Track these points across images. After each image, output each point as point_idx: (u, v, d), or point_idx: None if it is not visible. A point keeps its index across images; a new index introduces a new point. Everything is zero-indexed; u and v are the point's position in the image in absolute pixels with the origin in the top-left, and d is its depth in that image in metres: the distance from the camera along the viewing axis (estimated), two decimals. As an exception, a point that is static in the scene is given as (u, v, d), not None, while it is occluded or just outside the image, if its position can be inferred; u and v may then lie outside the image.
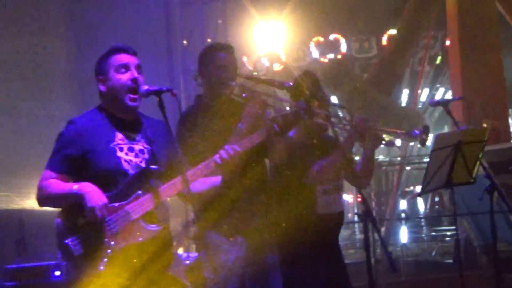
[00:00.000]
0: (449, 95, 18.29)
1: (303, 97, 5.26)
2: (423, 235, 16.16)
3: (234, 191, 5.22)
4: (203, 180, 4.76)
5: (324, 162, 5.68)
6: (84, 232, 4.43)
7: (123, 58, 4.69)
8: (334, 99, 14.17)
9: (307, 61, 17.17)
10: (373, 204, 15.89)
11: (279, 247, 5.70)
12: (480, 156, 6.22)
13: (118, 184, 4.54)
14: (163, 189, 4.55)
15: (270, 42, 14.04)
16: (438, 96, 19.52)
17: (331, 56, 17.35)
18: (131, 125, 4.74)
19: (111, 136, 4.65)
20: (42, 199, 4.61)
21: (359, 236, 15.77)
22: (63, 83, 12.62)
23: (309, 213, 5.76)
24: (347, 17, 17.26)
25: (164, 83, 5.10)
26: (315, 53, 17.43)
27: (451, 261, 12.02)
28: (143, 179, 4.55)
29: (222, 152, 4.72)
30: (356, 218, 13.96)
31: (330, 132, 5.75)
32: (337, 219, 5.95)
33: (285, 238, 5.70)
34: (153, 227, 4.53)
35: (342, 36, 17.53)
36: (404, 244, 13.33)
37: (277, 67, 16.46)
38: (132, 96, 4.63)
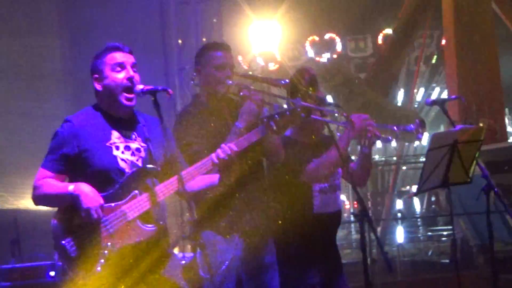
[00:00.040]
0: (445, 95, 18.28)
1: (300, 94, 5.24)
2: (419, 235, 16.17)
3: (231, 190, 5.19)
4: (201, 178, 4.74)
5: (319, 159, 5.68)
6: (81, 233, 4.40)
7: (118, 56, 4.66)
8: (329, 99, 14.13)
9: (303, 60, 17.17)
10: (369, 204, 15.87)
11: (276, 246, 5.66)
12: (476, 155, 6.20)
13: (115, 183, 4.52)
14: (160, 188, 4.53)
15: (265, 41, 14.01)
16: (434, 96, 19.53)
17: (326, 55, 17.35)
18: (127, 123, 4.72)
19: (107, 134, 4.62)
20: (38, 199, 4.59)
21: (355, 236, 15.78)
22: (58, 83, 12.58)
23: (306, 212, 5.77)
24: (342, 16, 17.26)
25: (159, 82, 5.10)
26: (310, 53, 17.43)
27: (447, 261, 12.02)
28: (139, 179, 4.53)
29: (219, 151, 4.70)
30: (352, 218, 13.95)
31: (326, 132, 5.76)
32: (334, 218, 5.96)
33: (282, 237, 5.70)
34: (150, 227, 4.51)
35: (337, 35, 17.53)
36: (400, 244, 13.33)
37: (272, 66, 16.45)
38: (127, 95, 4.62)
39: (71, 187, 4.43)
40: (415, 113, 17.68)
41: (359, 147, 5.86)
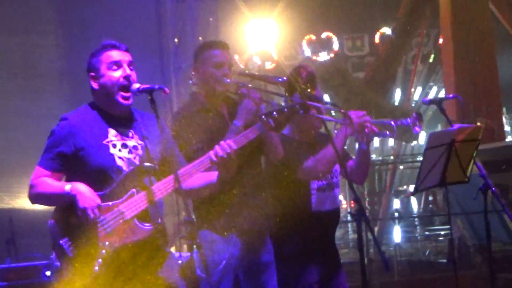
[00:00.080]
0: (442, 94, 18.26)
1: (298, 91, 5.22)
2: (416, 235, 16.15)
3: (228, 189, 5.18)
4: (199, 176, 4.70)
5: (316, 156, 5.67)
6: (78, 233, 4.40)
7: (115, 55, 4.65)
8: (326, 98, 14.10)
9: (299, 59, 17.16)
10: (366, 204, 15.87)
11: (274, 245, 5.66)
12: (474, 154, 6.18)
13: (112, 181, 4.51)
14: (157, 187, 4.51)
15: (262, 40, 13.94)
16: (431, 95, 19.51)
17: (323, 54, 17.32)
18: (124, 121, 4.71)
19: (104, 133, 4.61)
20: (34, 197, 4.58)
21: (352, 235, 15.77)
22: (54, 81, 12.54)
23: (304, 210, 5.77)
24: (339, 15, 17.23)
25: (155, 81, 5.10)
26: (307, 51, 17.41)
27: (445, 260, 12.02)
28: (137, 177, 4.53)
29: (217, 148, 4.65)
30: (349, 218, 13.94)
31: (323, 130, 5.73)
32: (333, 216, 5.95)
33: (280, 235, 5.70)
34: (147, 226, 4.49)
35: (334, 34, 17.51)
36: (397, 244, 13.32)
37: (269, 65, 16.44)
38: (124, 94, 4.60)
39: (67, 186, 4.42)
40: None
41: (357, 144, 5.84)
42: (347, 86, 15.45)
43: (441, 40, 15.18)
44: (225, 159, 4.59)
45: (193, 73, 5.64)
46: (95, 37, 10.86)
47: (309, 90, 5.30)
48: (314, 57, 17.25)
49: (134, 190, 4.49)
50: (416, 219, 16.99)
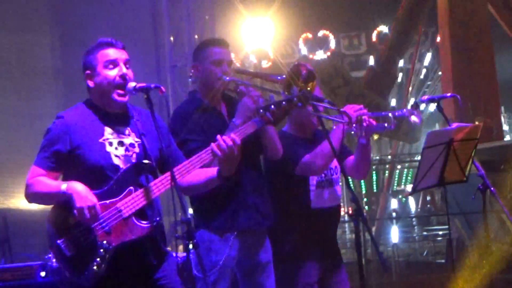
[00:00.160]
0: (439, 93, 18.24)
1: (297, 86, 5.19)
2: (414, 235, 16.14)
3: (226, 188, 5.11)
4: (198, 172, 4.66)
5: (314, 151, 5.65)
6: (75, 232, 4.36)
7: (111, 53, 4.61)
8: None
9: (296, 58, 17.17)
10: (364, 203, 15.84)
11: (273, 244, 5.62)
12: (473, 154, 6.14)
13: (109, 180, 4.46)
14: (155, 184, 4.48)
15: (258, 39, 13.95)
16: (429, 94, 19.48)
17: (320, 52, 17.31)
18: (120, 118, 4.68)
19: (100, 131, 4.58)
20: (30, 197, 4.54)
21: (349, 235, 15.73)
22: (49, 80, 12.56)
23: (303, 207, 5.76)
24: (336, 13, 17.22)
25: (151, 79, 5.07)
26: (303, 50, 17.41)
27: (443, 261, 12.00)
28: (134, 174, 4.50)
29: (220, 140, 4.58)
30: (346, 218, 13.90)
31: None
32: (333, 213, 5.93)
33: (279, 234, 5.69)
34: (145, 224, 4.46)
35: (331, 32, 17.50)
36: (395, 244, 13.32)
37: (265, 63, 16.44)
38: (120, 92, 4.57)
39: (63, 186, 4.38)
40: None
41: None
42: (347, 87, 15.43)
43: (438, 39, 15.15)
44: (227, 153, 4.54)
45: (192, 70, 5.62)
46: (90, 35, 10.77)
47: (308, 88, 5.26)
48: (310, 56, 17.25)
49: (131, 188, 4.45)
50: (414, 219, 16.97)
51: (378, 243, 11.18)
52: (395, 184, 18.11)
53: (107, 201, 4.40)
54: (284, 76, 5.27)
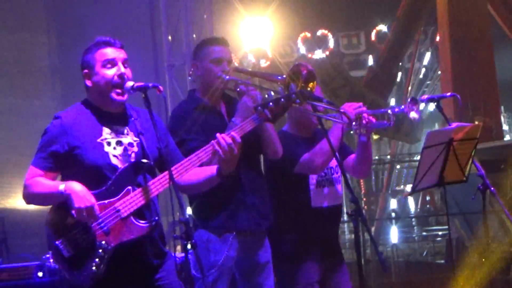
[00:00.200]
0: (439, 92, 18.22)
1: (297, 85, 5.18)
2: (413, 235, 16.12)
3: (225, 188, 5.06)
4: (197, 171, 4.63)
5: (313, 150, 5.64)
6: (74, 233, 4.34)
7: (109, 52, 4.57)
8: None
9: (294, 57, 17.15)
10: (363, 204, 15.82)
11: (273, 243, 5.60)
12: (472, 154, 6.11)
13: (107, 179, 4.43)
14: (153, 183, 4.47)
15: (256, 38, 13.94)
16: (428, 93, 19.46)
17: (318, 52, 17.29)
18: (118, 118, 4.64)
19: (98, 131, 4.54)
20: (28, 197, 4.52)
21: (348, 236, 15.72)
22: (46, 79, 12.60)
23: (303, 207, 5.74)
24: (335, 12, 17.20)
25: (149, 78, 5.08)
26: (302, 49, 17.39)
27: (442, 261, 11.99)
28: (132, 174, 4.47)
29: (219, 138, 4.55)
30: (345, 218, 13.89)
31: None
32: (334, 212, 5.90)
33: (279, 233, 5.68)
34: (144, 223, 4.43)
35: (329, 31, 17.48)
36: (394, 244, 13.31)
37: (263, 63, 16.42)
38: (118, 91, 4.54)
39: (61, 186, 4.35)
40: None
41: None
42: (348, 87, 15.43)
43: (438, 38, 15.14)
44: (227, 151, 4.52)
45: (191, 69, 5.60)
46: (88, 34, 10.84)
47: (308, 89, 5.23)
48: (309, 55, 17.23)
49: (129, 187, 4.42)
50: (413, 219, 16.95)
51: (377, 244, 11.19)
52: (395, 184, 18.10)
53: (105, 201, 4.37)
54: (284, 76, 5.25)
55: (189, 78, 5.68)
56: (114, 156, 4.51)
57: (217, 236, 5.31)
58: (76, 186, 4.33)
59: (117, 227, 4.36)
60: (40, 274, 7.69)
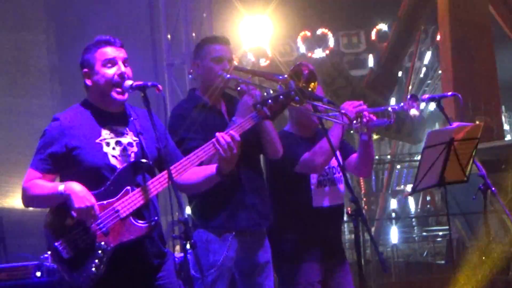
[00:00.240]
0: (439, 92, 18.21)
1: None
2: (414, 235, 16.11)
3: (224, 188, 5.03)
4: (197, 170, 4.62)
5: (313, 149, 5.64)
6: (73, 234, 4.32)
7: (109, 51, 4.55)
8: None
9: (294, 56, 17.13)
10: (363, 204, 15.80)
11: (273, 243, 5.60)
12: (473, 153, 6.09)
13: (106, 180, 4.41)
14: (152, 183, 4.45)
15: (256, 37, 13.90)
16: (429, 93, 19.44)
17: (318, 51, 17.27)
18: (118, 118, 4.63)
19: (96, 131, 4.53)
20: (27, 200, 4.50)
21: (348, 236, 15.69)
22: (45, 78, 12.59)
23: (304, 206, 5.73)
24: (335, 11, 17.18)
25: (148, 77, 5.05)
26: (302, 48, 17.37)
27: (443, 262, 11.97)
28: (131, 174, 4.45)
29: (218, 136, 4.54)
30: (345, 218, 13.89)
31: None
32: (335, 212, 5.88)
33: (279, 232, 5.69)
34: (143, 223, 4.42)
35: (329, 30, 17.46)
36: (394, 245, 13.29)
37: (263, 62, 16.40)
38: (118, 90, 4.53)
39: (61, 186, 4.33)
40: (421, 115, 17.54)
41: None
42: (349, 88, 15.43)
43: (439, 37, 15.13)
44: (227, 150, 4.50)
45: (192, 68, 5.58)
46: (87, 33, 10.87)
47: (310, 89, 5.25)
48: (309, 54, 17.21)
49: (128, 187, 4.40)
50: (413, 219, 16.93)
51: (377, 244, 11.18)
52: (395, 184, 18.09)
53: (104, 202, 4.36)
54: (285, 76, 5.23)
55: (190, 76, 5.68)
56: (113, 156, 4.50)
57: (217, 236, 5.30)
58: (76, 187, 4.31)
59: (116, 227, 4.34)
60: (38, 274, 7.66)
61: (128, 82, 4.48)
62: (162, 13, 12.04)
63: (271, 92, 5.17)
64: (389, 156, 17.86)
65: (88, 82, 4.59)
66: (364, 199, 16.52)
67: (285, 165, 5.63)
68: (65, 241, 4.30)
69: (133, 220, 4.38)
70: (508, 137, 18.24)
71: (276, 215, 5.59)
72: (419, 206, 17.84)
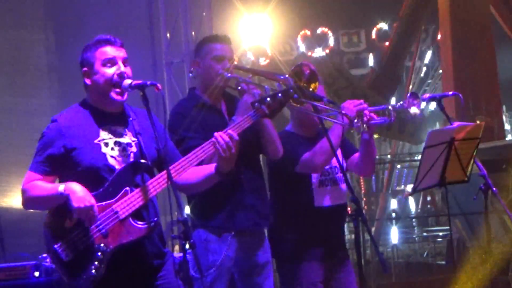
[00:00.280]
0: (440, 91, 18.20)
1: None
2: (414, 236, 16.09)
3: (224, 188, 5.05)
4: (196, 170, 4.60)
5: (314, 148, 5.63)
6: (72, 236, 4.31)
7: (109, 51, 4.55)
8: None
9: (294, 55, 17.11)
10: (363, 204, 15.76)
11: (275, 243, 5.65)
12: (474, 153, 6.08)
13: (105, 181, 4.42)
14: (151, 183, 4.43)
15: (255, 36, 13.90)
16: (429, 92, 19.42)
17: (318, 50, 17.24)
18: (117, 118, 4.63)
19: (95, 132, 4.53)
20: (27, 203, 4.51)
21: (348, 236, 15.64)
22: (43, 77, 12.59)
23: (305, 206, 5.74)
24: (335, 9, 17.16)
25: (147, 76, 5.02)
26: (302, 47, 17.35)
27: (443, 262, 11.96)
28: (130, 175, 4.45)
29: (217, 136, 4.52)
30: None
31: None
32: (337, 212, 5.87)
33: (281, 232, 5.73)
34: (143, 224, 4.40)
35: (330, 29, 17.43)
36: (394, 245, 13.27)
37: (263, 61, 16.39)
38: (117, 90, 4.52)
39: (61, 187, 4.33)
40: (423, 116, 17.52)
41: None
42: (350, 89, 15.40)
43: (439, 36, 15.11)
44: (225, 150, 4.49)
45: (192, 66, 5.58)
46: (86, 32, 10.86)
47: (310, 89, 5.25)
48: (309, 53, 17.18)
49: (127, 188, 4.39)
50: (413, 219, 16.90)
51: (377, 244, 11.16)
52: (395, 184, 18.06)
53: (103, 203, 4.35)
54: (287, 75, 5.22)
55: (190, 75, 5.68)
56: (112, 157, 4.49)
57: (216, 236, 5.30)
58: (75, 187, 4.30)
59: (115, 229, 4.32)
60: (36, 274, 7.64)
61: (127, 81, 4.48)
62: (161, 12, 12.01)
63: (268, 87, 5.17)
64: (389, 156, 17.82)
65: (88, 81, 4.59)
66: (364, 199, 16.47)
67: (286, 165, 5.62)
68: (65, 243, 4.29)
69: (132, 221, 4.36)
70: (509, 137, 18.19)
71: (277, 215, 5.61)
72: (420, 206, 17.82)
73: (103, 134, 4.52)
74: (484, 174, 6.00)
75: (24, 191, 4.48)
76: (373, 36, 17.78)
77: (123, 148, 4.53)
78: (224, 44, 5.44)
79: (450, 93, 6.61)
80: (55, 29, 12.66)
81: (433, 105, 14.49)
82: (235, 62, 5.53)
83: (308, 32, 17.34)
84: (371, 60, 18.36)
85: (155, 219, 4.45)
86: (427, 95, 6.29)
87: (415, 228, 16.65)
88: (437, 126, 17.46)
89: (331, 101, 5.52)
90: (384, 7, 17.17)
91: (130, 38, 11.00)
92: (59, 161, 4.45)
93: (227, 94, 5.54)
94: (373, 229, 14.60)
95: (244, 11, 13.43)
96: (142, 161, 4.48)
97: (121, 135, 4.57)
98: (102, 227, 4.30)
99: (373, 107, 5.70)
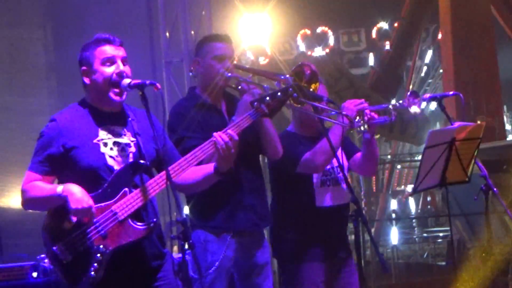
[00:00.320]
0: (440, 91, 18.20)
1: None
2: (414, 236, 16.09)
3: (223, 188, 5.03)
4: (195, 170, 4.58)
5: (314, 148, 5.62)
6: (71, 238, 4.29)
7: (108, 50, 4.53)
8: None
9: (294, 55, 17.08)
10: (363, 204, 15.75)
11: (276, 243, 5.71)
12: (475, 154, 6.04)
13: (104, 181, 4.40)
14: (150, 184, 4.41)
15: (255, 35, 13.93)
16: (430, 92, 19.42)
17: (318, 49, 17.21)
18: (116, 118, 4.61)
19: (94, 131, 4.51)
20: (26, 203, 4.49)
21: (348, 236, 15.65)
22: (42, 76, 12.57)
23: (306, 206, 5.73)
24: (335, 8, 17.15)
25: (146, 76, 5.01)
26: (302, 46, 17.32)
27: (443, 263, 11.94)
28: (129, 175, 4.42)
29: (216, 136, 4.50)
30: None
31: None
32: (339, 212, 5.84)
33: (282, 233, 5.74)
34: (142, 225, 4.38)
35: (330, 28, 17.41)
36: (394, 246, 13.26)
37: (262, 60, 16.38)
38: (116, 90, 4.50)
39: (59, 188, 4.31)
40: (426, 116, 17.54)
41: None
42: (352, 89, 15.40)
43: (440, 36, 15.11)
44: (225, 150, 4.48)
45: (193, 65, 5.57)
46: (84, 30, 10.89)
47: (311, 89, 5.23)
48: (309, 52, 17.15)
49: (126, 189, 4.36)
50: (414, 220, 16.91)
51: (377, 245, 11.16)
52: (395, 185, 18.08)
53: (102, 204, 4.33)
54: (287, 75, 5.22)
55: (190, 74, 5.67)
56: (111, 157, 4.48)
57: (215, 236, 5.28)
58: (73, 188, 4.28)
59: (114, 230, 4.31)
60: (34, 274, 7.64)
61: (126, 81, 4.45)
62: (160, 11, 11.97)
63: (267, 86, 5.15)
64: (389, 156, 17.84)
65: (86, 80, 4.57)
66: (364, 199, 16.47)
67: (287, 165, 5.61)
68: (63, 245, 4.27)
69: (131, 222, 4.34)
70: (510, 137, 18.22)
71: (278, 215, 5.64)
72: (420, 207, 17.82)
73: (102, 134, 4.51)
74: (485, 174, 5.96)
75: (24, 192, 4.46)
76: (374, 35, 17.72)
77: (122, 148, 4.52)
78: (225, 43, 5.42)
79: (451, 93, 6.58)
80: (54, 27, 12.69)
81: (433, 105, 14.49)
82: (235, 61, 5.51)
83: (308, 31, 17.30)
84: (371, 60, 18.33)
85: (155, 219, 4.42)
86: (427, 95, 6.27)
87: (415, 228, 16.67)
88: (438, 126, 17.46)
89: (331, 101, 5.51)
90: (385, 7, 17.16)
91: (129, 37, 10.92)
92: (58, 161, 4.44)
93: (227, 94, 5.52)
94: (373, 229, 14.61)
95: (244, 10, 13.45)
96: (141, 161, 4.45)
97: (120, 135, 4.55)
98: (101, 228, 4.28)
99: (373, 106, 5.69)
